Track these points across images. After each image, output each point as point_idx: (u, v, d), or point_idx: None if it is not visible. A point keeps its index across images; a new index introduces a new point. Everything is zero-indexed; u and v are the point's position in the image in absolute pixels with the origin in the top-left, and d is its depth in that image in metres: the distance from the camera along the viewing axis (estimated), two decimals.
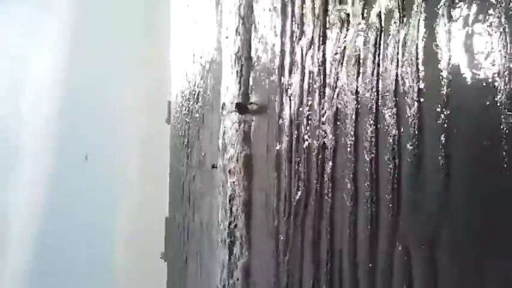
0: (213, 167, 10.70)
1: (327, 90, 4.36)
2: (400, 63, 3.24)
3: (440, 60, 2.85)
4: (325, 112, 4.37)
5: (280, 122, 5.64)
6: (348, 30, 3.98)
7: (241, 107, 7.76)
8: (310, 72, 4.78)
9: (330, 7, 4.34)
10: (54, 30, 30.53)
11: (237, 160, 7.79)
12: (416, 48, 3.06)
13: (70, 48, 29.89)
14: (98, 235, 32.54)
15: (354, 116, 3.82)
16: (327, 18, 4.39)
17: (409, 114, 3.10)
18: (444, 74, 2.81)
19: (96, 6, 29.59)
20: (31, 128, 32.62)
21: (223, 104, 9.40)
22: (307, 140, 4.80)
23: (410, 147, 3.09)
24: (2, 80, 32.57)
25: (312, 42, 4.76)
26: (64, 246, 32.35)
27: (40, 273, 32.42)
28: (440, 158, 2.82)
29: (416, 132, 3.03)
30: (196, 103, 14.40)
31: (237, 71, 8.08)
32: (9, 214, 33.70)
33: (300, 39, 5.10)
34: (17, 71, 32.46)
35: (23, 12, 31.12)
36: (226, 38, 9.37)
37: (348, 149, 3.90)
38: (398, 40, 3.29)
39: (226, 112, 8.93)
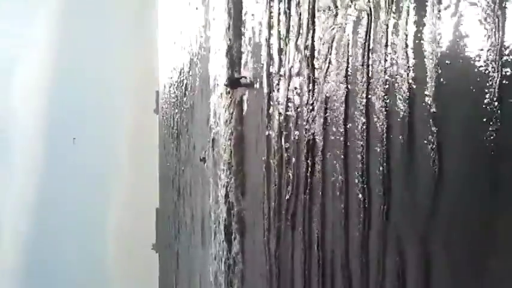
0: (201, 160, 10.63)
1: (316, 77, 4.30)
2: (390, 50, 3.18)
3: (430, 49, 2.79)
4: (314, 102, 4.31)
5: (271, 102, 5.57)
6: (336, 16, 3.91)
7: (232, 81, 7.47)
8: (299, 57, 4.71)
9: None
10: (44, 23, 30.16)
11: (229, 141, 7.65)
12: (406, 37, 3.00)
13: (59, 40, 29.60)
14: (88, 227, 32.44)
15: (343, 111, 3.76)
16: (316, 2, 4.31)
17: (401, 107, 3.04)
18: (434, 62, 2.76)
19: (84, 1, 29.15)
20: (21, 122, 32.30)
21: (215, 82, 9.26)
22: (296, 130, 4.74)
23: (401, 140, 3.04)
24: None
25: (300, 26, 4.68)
26: (55, 239, 32.27)
27: (30, 265, 32.31)
28: (432, 150, 2.77)
29: (407, 125, 2.97)
30: (185, 93, 14.29)
31: (227, 47, 7.86)
32: (2, 197, 33.48)
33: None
34: (7, 62, 32.03)
35: (13, 5, 30.63)
36: (214, 19, 9.27)
37: (338, 144, 3.85)
38: (387, 27, 3.22)
39: (217, 90, 8.75)
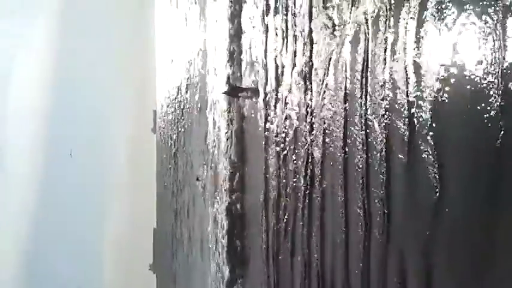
0: (197, 179, 10.57)
1: (315, 96, 4.29)
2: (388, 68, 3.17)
3: (430, 65, 2.78)
4: (313, 117, 4.30)
5: (267, 123, 5.57)
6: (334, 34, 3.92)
7: (233, 88, 7.17)
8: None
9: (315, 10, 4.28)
10: (42, 39, 30.26)
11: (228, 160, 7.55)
12: (405, 55, 2.99)
13: (57, 57, 29.67)
14: (86, 247, 32.12)
15: (342, 124, 3.74)
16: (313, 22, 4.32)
17: (400, 123, 3.02)
18: (434, 80, 2.74)
19: (83, 16, 29.47)
20: (17, 139, 32.20)
21: (212, 100, 9.17)
22: (295, 153, 4.71)
23: (402, 158, 3.01)
24: None
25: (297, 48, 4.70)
26: (51, 260, 31.93)
27: (25, 285, 31.90)
28: (432, 168, 2.74)
29: (407, 142, 2.95)
30: (182, 112, 14.32)
31: (228, 53, 7.79)
32: None
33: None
34: (2, 81, 32.11)
35: (11, 21, 30.78)
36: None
37: (337, 157, 3.82)
38: (386, 45, 3.22)
39: (216, 106, 8.61)
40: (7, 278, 32.74)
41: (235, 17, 7.21)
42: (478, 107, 2.44)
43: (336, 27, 3.87)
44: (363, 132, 3.41)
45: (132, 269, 27.52)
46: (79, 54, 30.21)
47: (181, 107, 14.17)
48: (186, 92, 13.29)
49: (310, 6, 4.32)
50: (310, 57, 4.36)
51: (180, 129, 14.57)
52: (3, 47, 31.05)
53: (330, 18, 3.97)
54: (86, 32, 28.51)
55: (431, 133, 2.76)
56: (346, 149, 3.69)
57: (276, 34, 5.27)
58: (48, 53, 29.53)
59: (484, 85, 2.38)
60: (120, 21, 27.39)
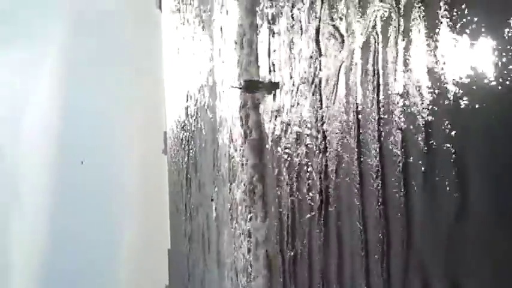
0: (212, 200, 10.49)
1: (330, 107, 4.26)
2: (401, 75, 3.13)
3: (444, 74, 2.74)
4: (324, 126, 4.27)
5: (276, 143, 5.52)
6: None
7: (249, 83, 6.73)
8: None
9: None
10: (53, 66, 30.70)
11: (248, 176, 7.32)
12: (416, 64, 2.96)
13: (67, 82, 30.04)
14: (100, 269, 31.98)
15: (355, 133, 3.69)
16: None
17: (416, 133, 2.97)
18: (449, 87, 2.70)
19: (91, 41, 29.87)
20: (29, 163, 32.40)
21: (222, 119, 9.07)
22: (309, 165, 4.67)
23: (421, 168, 2.94)
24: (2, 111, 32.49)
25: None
26: (65, 283, 31.75)
27: None
28: (453, 178, 2.68)
29: (425, 153, 2.89)
30: (193, 133, 14.34)
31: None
32: (9, 245, 33.26)
33: None
34: (16, 107, 32.50)
35: (24, 53, 31.33)
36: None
37: (353, 172, 3.77)
38: (397, 55, 3.18)
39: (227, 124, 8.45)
40: None
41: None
42: (498, 112, 2.39)
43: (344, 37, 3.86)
44: (377, 140, 3.36)
45: None
46: (91, 76, 30.45)
47: (192, 127, 14.20)
48: (197, 112, 13.32)
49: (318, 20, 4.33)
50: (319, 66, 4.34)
51: (191, 150, 14.57)
52: (16, 84, 31.53)
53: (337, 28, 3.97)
54: (97, 53, 28.73)
55: (449, 140, 2.71)
56: (361, 159, 3.64)
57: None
58: (58, 84, 29.79)
59: (505, 90, 2.33)
60: (130, 44, 27.59)
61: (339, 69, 3.89)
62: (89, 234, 30.80)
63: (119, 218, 31.38)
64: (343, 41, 3.84)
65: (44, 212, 32.27)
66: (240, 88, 7.17)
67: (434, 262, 2.78)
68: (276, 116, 5.71)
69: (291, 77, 5.11)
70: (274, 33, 5.81)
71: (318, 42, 4.38)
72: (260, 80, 6.70)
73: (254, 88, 6.67)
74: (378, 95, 3.37)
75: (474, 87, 2.50)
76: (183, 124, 16.55)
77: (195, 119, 13.74)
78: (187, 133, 15.49)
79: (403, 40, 3.04)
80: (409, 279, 3.02)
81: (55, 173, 31.85)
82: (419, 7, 2.90)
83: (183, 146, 16.58)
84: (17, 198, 33.14)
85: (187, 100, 15.26)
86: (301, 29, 4.77)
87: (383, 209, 3.32)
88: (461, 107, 2.60)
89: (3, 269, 32.24)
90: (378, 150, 3.36)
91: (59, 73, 30.22)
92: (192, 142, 14.35)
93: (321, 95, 4.33)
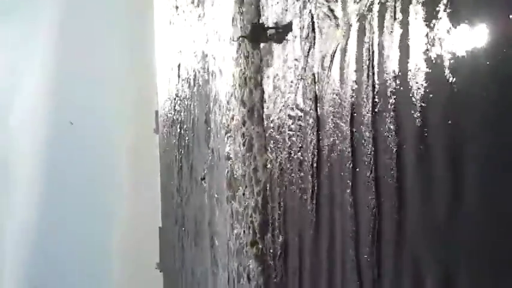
0: (202, 179, 10.57)
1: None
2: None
3: (441, 57, 2.69)
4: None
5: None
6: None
7: (256, 29, 5.54)
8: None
9: None
10: (44, 43, 30.37)
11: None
12: (410, 44, 2.90)
13: (58, 60, 29.77)
14: (91, 248, 32.27)
15: (349, 119, 3.66)
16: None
17: (411, 117, 2.86)
18: (446, 70, 2.65)
19: (83, 20, 29.55)
20: (20, 144, 32.28)
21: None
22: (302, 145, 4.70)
23: (413, 154, 2.94)
24: None
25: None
26: (57, 262, 32.07)
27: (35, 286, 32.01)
28: (447, 163, 2.67)
29: (420, 137, 2.86)
30: (186, 111, 14.32)
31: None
32: (4, 225, 33.29)
33: None
34: (7, 83, 32.13)
35: (14, 28, 30.91)
36: None
37: (345, 157, 3.75)
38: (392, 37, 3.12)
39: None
40: (14, 277, 32.85)
41: None
42: (497, 101, 2.32)
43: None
44: (371, 126, 3.33)
45: (138, 268, 27.61)
46: (81, 56, 30.21)
47: (185, 104, 14.17)
48: (190, 87, 13.28)
49: None
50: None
51: (183, 128, 14.60)
52: (7, 58, 31.12)
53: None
54: (88, 33, 28.48)
55: (444, 126, 2.65)
56: (354, 143, 3.60)
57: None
58: (50, 62, 29.49)
59: (504, 78, 2.27)
60: (121, 22, 27.34)
61: (334, 51, 3.85)
62: (79, 214, 30.86)
63: (109, 198, 31.41)
64: (337, 24, 3.81)
65: (34, 189, 32.21)
66: (244, 37, 6.02)
67: (426, 253, 2.81)
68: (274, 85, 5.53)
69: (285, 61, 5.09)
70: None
71: (312, 24, 4.33)
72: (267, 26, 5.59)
73: (259, 36, 5.49)
74: (372, 77, 3.32)
75: (472, 71, 2.44)
76: (174, 102, 16.54)
77: (186, 96, 13.73)
78: (179, 111, 15.50)
79: (400, 22, 3.00)
80: (401, 272, 3.06)
81: (45, 147, 31.68)
82: None
83: (174, 124, 16.61)
84: (6, 157, 32.89)
85: (178, 76, 15.21)
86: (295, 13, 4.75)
87: (375, 194, 3.34)
88: (459, 91, 2.58)
89: None
90: (371, 134, 3.32)
91: (50, 48, 29.88)
92: (183, 119, 14.36)
93: (314, 75, 4.30)
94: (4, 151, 32.69)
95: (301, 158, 4.57)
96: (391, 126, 3.08)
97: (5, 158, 32.82)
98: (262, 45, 5.86)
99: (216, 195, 9.41)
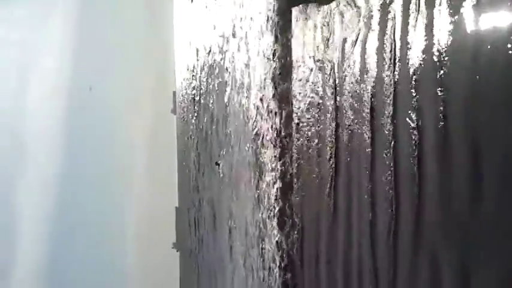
0: (217, 164, 10.45)
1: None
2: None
3: (466, 45, 2.63)
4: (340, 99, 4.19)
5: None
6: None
7: None
8: None
9: None
10: (59, 22, 30.46)
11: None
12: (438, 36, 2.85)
13: (75, 40, 29.87)
14: (106, 227, 32.90)
15: (369, 109, 3.63)
16: None
17: (432, 107, 2.89)
18: (470, 60, 2.60)
19: None
20: (37, 127, 32.71)
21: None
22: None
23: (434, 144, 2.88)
24: (9, 73, 32.47)
25: None
26: (73, 239, 32.69)
27: (48, 266, 32.78)
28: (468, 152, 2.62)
29: (441, 128, 2.82)
30: (202, 93, 14.25)
31: None
32: (17, 205, 34.03)
33: None
34: (22, 64, 32.50)
35: (29, 5, 31.11)
36: None
37: (365, 142, 3.71)
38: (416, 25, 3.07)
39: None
40: (27, 262, 33.65)
41: None
42: None
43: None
44: (392, 125, 3.29)
45: (155, 247, 28.02)
46: (97, 35, 30.34)
47: (201, 85, 14.08)
48: (206, 69, 13.17)
49: None
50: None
51: (201, 110, 14.53)
52: (25, 35, 31.36)
53: None
54: (104, 16, 28.58)
55: (466, 117, 2.63)
56: (374, 130, 3.57)
57: None
58: (66, 41, 29.73)
59: None
60: (138, 2, 27.31)
61: (355, 40, 3.78)
62: (94, 195, 31.35)
63: (126, 179, 31.83)
64: (359, 13, 3.73)
65: (51, 175, 32.77)
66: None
67: (444, 244, 2.76)
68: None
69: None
70: None
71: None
72: None
73: None
74: (394, 65, 3.28)
75: (502, 63, 2.40)
76: (192, 82, 16.44)
77: (205, 77, 13.60)
78: (197, 91, 15.39)
79: (424, 12, 2.93)
80: (417, 261, 3.00)
81: (61, 127, 32.14)
82: None
83: (193, 104, 16.53)
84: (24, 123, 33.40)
85: (197, 56, 15.06)
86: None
87: (394, 184, 3.29)
88: (483, 81, 2.52)
89: (10, 210, 32.99)
90: (391, 122, 3.29)
91: (69, 26, 30.06)
92: (202, 100, 14.27)
93: (333, 62, 4.25)
94: (22, 124, 33.24)
95: (320, 145, 4.49)
96: (413, 117, 3.05)
97: (22, 131, 33.39)
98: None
99: (233, 180, 9.30)
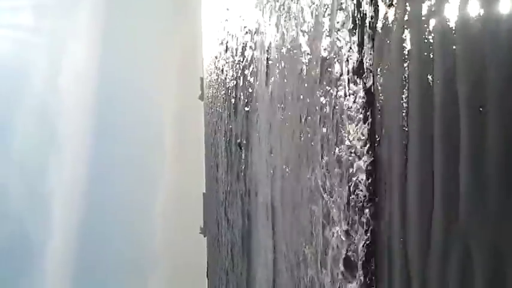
0: (239, 146, 10.40)
1: None
2: None
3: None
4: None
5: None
6: None
7: None
8: None
9: None
10: (88, 10, 30.81)
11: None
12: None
13: (102, 28, 30.20)
14: (137, 213, 33.40)
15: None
16: None
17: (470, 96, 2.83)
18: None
19: None
20: (68, 110, 33.33)
21: None
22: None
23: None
24: (40, 59, 33.00)
25: None
26: (103, 224, 33.36)
27: (78, 251, 33.60)
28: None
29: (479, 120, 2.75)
30: (229, 80, 14.27)
31: None
32: (49, 193, 34.90)
33: None
34: (52, 49, 33.02)
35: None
36: None
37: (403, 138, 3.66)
38: None
39: None
40: (61, 227, 34.28)
41: None
42: None
43: None
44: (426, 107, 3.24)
45: (182, 232, 28.43)
46: (125, 22, 30.46)
47: (229, 70, 14.08)
48: (236, 57, 13.12)
49: None
50: None
51: (227, 95, 14.57)
52: (54, 24, 31.67)
53: None
54: (132, 6, 28.59)
55: (500, 110, 2.57)
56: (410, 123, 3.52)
57: None
58: (94, 31, 29.90)
59: None
60: None
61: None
62: (123, 181, 31.92)
63: (155, 165, 32.27)
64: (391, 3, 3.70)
65: (80, 161, 33.43)
66: None
67: (476, 228, 2.73)
68: None
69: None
70: None
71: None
72: None
73: None
74: (428, 56, 3.24)
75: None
76: (219, 69, 16.49)
77: (232, 63, 13.62)
78: (224, 78, 15.43)
79: None
80: (449, 243, 2.99)
81: (91, 114, 32.65)
82: None
83: (219, 91, 16.58)
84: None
85: (225, 43, 15.07)
86: None
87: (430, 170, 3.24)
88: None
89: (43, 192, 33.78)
90: (429, 116, 3.22)
91: (96, 15, 30.39)
92: (229, 86, 14.31)
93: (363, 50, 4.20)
94: (53, 111, 33.90)
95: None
96: (450, 108, 2.94)
97: (54, 119, 34.06)
98: None
99: (257, 163, 9.33)
